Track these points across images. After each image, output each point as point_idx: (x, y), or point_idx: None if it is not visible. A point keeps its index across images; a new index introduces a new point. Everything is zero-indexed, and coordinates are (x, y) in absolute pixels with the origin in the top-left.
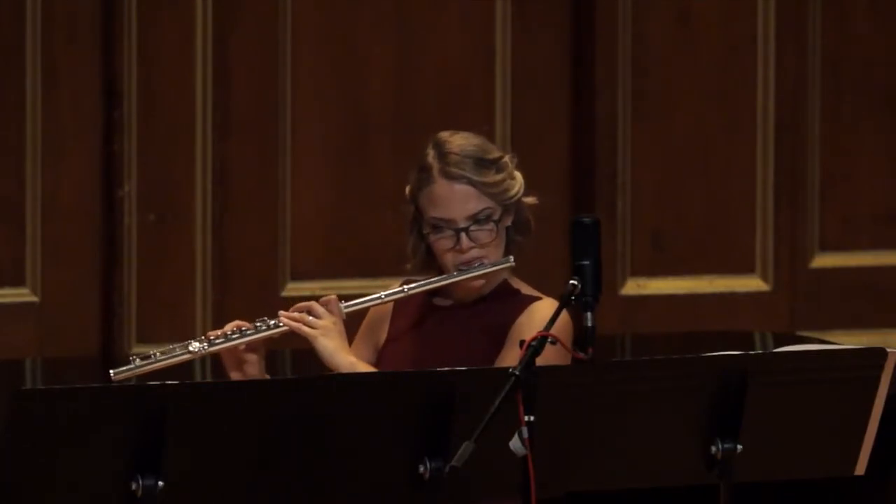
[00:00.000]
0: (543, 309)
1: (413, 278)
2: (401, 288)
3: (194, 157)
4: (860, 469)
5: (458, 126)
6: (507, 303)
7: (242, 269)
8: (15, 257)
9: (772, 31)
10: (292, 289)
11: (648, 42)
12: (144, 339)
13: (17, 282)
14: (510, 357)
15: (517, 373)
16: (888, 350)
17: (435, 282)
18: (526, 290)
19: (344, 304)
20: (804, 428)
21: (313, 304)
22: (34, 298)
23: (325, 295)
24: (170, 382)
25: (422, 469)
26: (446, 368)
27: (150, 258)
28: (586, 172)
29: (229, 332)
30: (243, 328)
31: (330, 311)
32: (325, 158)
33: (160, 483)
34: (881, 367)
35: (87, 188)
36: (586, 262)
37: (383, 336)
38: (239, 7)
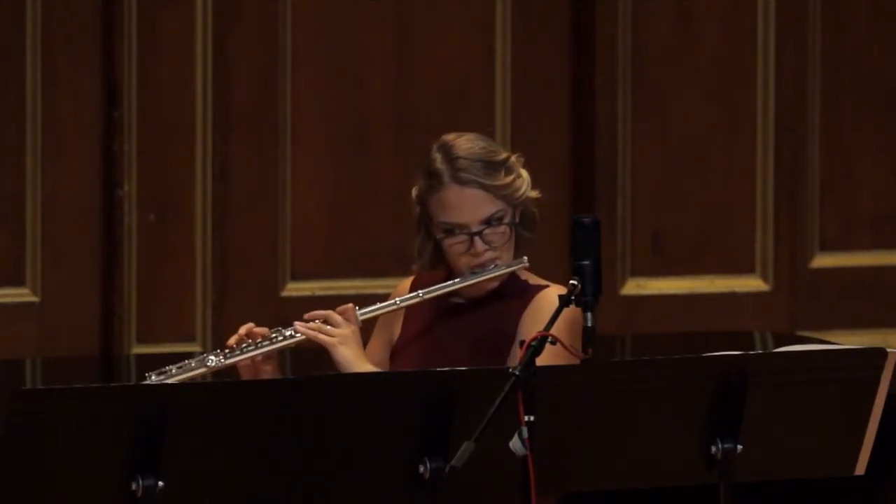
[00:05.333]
0: (550, 297)
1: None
2: (416, 293)
3: (194, 157)
4: (860, 469)
5: (458, 126)
6: (515, 297)
7: (242, 269)
8: (15, 257)
9: (772, 31)
10: (292, 289)
11: (648, 42)
12: (144, 339)
13: (17, 282)
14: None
15: (517, 373)
16: (888, 350)
17: (450, 286)
18: (533, 280)
19: (359, 310)
20: (804, 428)
21: (330, 312)
22: (34, 298)
23: (325, 295)
24: (170, 382)
25: (422, 469)
26: (446, 368)
27: (150, 258)
28: (586, 172)
29: (244, 345)
30: (258, 340)
31: (347, 320)
32: (325, 158)
33: (160, 483)
34: (881, 367)
35: (87, 188)
36: (586, 262)
37: (397, 331)
38: (239, 6)
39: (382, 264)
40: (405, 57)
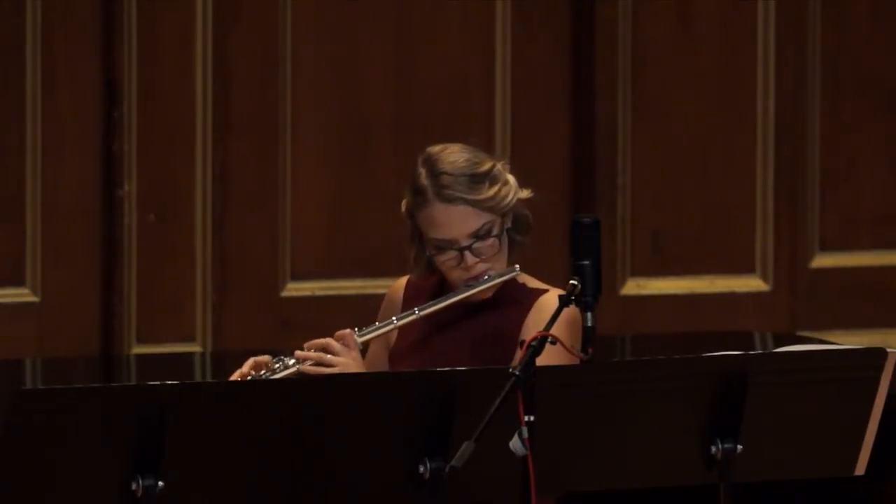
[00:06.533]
0: (550, 302)
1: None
2: (412, 311)
3: (194, 157)
4: (860, 469)
5: (458, 127)
6: (514, 302)
7: (242, 269)
8: (15, 257)
9: (772, 31)
10: (292, 289)
11: (648, 42)
12: (144, 339)
13: (17, 282)
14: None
15: (517, 373)
16: (888, 350)
17: (445, 301)
18: (532, 283)
19: (358, 332)
20: (804, 428)
21: (329, 341)
22: (34, 298)
23: (326, 295)
24: (170, 382)
25: (422, 469)
26: (446, 368)
27: (150, 258)
28: (586, 172)
29: (248, 378)
30: (261, 371)
31: (346, 346)
32: (325, 158)
33: (160, 483)
34: (881, 367)
35: (87, 188)
36: (586, 262)
37: (393, 336)
38: (239, 6)
39: (382, 264)
40: (405, 57)
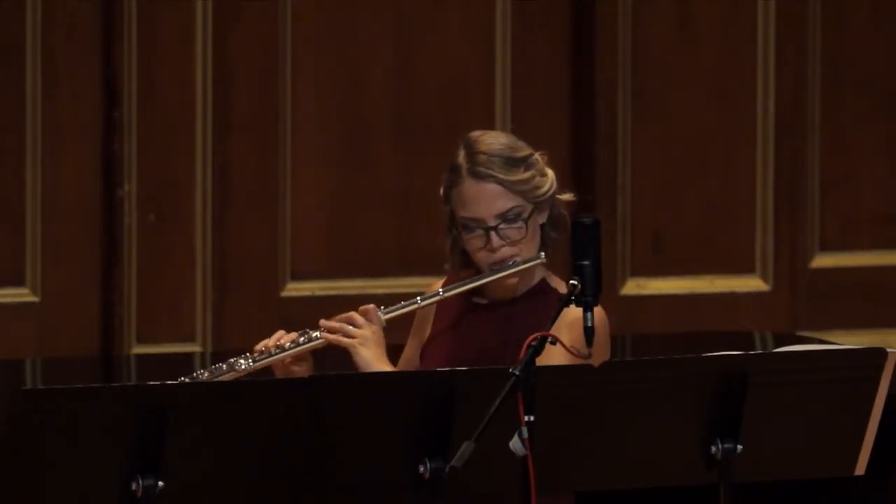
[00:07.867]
0: (575, 310)
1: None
2: (437, 291)
3: (194, 157)
4: (860, 469)
5: (458, 127)
6: (542, 302)
7: (242, 269)
8: (15, 257)
9: (772, 31)
10: (292, 289)
11: (648, 42)
12: (144, 339)
13: (17, 282)
14: (545, 359)
15: (517, 373)
16: (888, 350)
17: (468, 283)
18: (563, 288)
19: (383, 310)
20: (804, 428)
21: (353, 314)
22: (34, 298)
23: (325, 295)
24: (170, 382)
25: (422, 469)
26: (447, 368)
27: (150, 258)
28: (586, 172)
29: (273, 349)
30: (286, 343)
31: (369, 321)
32: (325, 158)
33: (160, 483)
34: (881, 367)
35: (87, 188)
36: (586, 262)
37: (427, 333)
38: (239, 6)
39: (382, 264)
40: (405, 57)
